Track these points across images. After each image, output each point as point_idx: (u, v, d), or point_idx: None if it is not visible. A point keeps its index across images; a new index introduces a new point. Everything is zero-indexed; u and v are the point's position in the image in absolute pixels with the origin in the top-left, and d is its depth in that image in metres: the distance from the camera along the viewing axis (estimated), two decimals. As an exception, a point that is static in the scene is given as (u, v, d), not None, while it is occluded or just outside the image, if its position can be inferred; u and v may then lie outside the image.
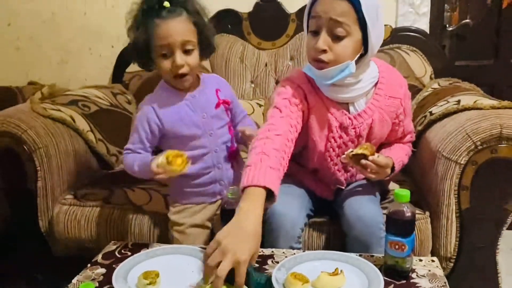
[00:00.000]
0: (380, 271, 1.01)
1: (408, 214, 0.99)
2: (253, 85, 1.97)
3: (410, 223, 1.01)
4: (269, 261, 1.11)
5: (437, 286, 0.99)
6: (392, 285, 0.99)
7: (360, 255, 1.10)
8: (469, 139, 1.23)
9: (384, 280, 0.98)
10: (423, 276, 1.02)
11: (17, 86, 2.02)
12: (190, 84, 1.26)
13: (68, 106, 1.70)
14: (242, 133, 1.31)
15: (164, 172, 1.14)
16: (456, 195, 1.27)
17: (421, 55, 1.90)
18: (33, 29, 2.24)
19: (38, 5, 2.21)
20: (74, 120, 1.63)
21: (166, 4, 1.17)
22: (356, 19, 1.10)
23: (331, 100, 1.22)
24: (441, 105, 1.48)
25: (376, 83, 1.24)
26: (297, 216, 1.23)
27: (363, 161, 1.18)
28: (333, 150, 1.27)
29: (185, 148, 1.25)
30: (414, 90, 1.81)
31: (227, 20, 2.03)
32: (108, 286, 1.01)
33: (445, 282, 1.00)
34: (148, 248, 1.18)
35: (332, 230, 1.32)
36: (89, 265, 1.12)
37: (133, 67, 2.05)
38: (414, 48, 1.91)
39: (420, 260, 1.09)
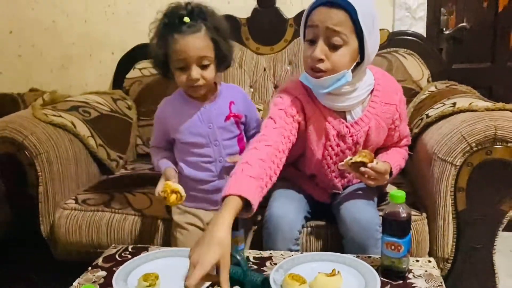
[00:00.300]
0: (377, 272, 1.02)
1: (404, 214, 1.01)
2: (252, 89, 1.99)
3: (406, 223, 1.02)
4: (268, 263, 1.12)
5: (433, 286, 1.00)
6: (389, 286, 1.00)
7: (357, 256, 1.11)
8: (464, 140, 1.24)
9: (381, 280, 0.99)
10: (420, 276, 1.03)
11: (19, 93, 2.04)
12: (205, 93, 1.30)
13: (69, 112, 1.72)
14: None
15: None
16: (452, 197, 1.28)
17: (418, 59, 1.91)
18: (34, 37, 2.26)
19: (40, 13, 2.23)
20: (75, 126, 1.65)
21: (186, 19, 1.21)
22: (353, 28, 1.11)
23: (328, 109, 1.23)
24: (437, 108, 1.49)
25: (372, 90, 1.25)
26: (294, 218, 1.24)
27: (362, 169, 1.18)
28: (331, 158, 1.29)
29: (191, 154, 1.31)
30: (411, 93, 1.82)
31: (226, 26, 2.04)
32: (108, 288, 1.03)
33: (441, 282, 1.01)
34: (148, 251, 1.19)
35: (330, 233, 1.33)
36: (89, 268, 1.13)
37: (133, 73, 2.08)
38: (411, 52, 1.92)
39: (417, 261, 1.10)
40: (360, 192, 1.31)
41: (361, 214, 1.21)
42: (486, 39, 2.12)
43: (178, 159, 1.35)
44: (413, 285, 1.00)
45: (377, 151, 1.34)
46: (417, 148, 1.48)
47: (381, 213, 1.08)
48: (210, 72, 1.25)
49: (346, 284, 1.00)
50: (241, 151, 1.34)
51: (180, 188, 1.22)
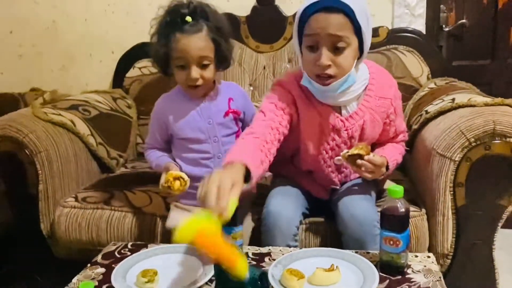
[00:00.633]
0: (376, 268, 1.02)
1: (402, 209, 1.00)
2: (251, 88, 1.99)
3: (404, 218, 1.02)
4: (266, 259, 1.12)
5: (432, 281, 1.00)
6: (388, 281, 1.00)
7: (356, 252, 1.11)
8: (463, 136, 1.24)
9: (380, 275, 0.99)
10: (419, 271, 1.04)
11: (19, 93, 2.05)
12: (203, 93, 1.31)
13: (68, 110, 1.72)
14: None
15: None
16: (451, 192, 1.28)
17: (417, 56, 1.91)
18: (34, 37, 2.27)
19: (40, 13, 2.24)
20: (74, 124, 1.65)
21: (188, 19, 1.21)
22: (352, 28, 1.11)
23: (323, 103, 1.23)
24: (437, 104, 1.49)
25: (367, 85, 1.25)
26: (292, 215, 1.24)
27: (359, 161, 1.18)
28: (326, 153, 1.29)
29: (189, 150, 1.31)
30: (411, 90, 1.82)
31: (225, 24, 2.05)
32: (107, 285, 1.03)
33: (440, 277, 1.01)
34: (147, 248, 1.19)
35: (328, 229, 1.33)
36: (89, 265, 1.13)
37: (133, 72, 2.08)
38: (411, 49, 1.91)
39: (416, 256, 1.11)
40: (358, 188, 1.31)
41: (359, 210, 1.21)
42: (486, 36, 2.11)
43: (175, 156, 1.35)
44: (412, 280, 1.00)
45: (374, 147, 1.34)
46: (416, 144, 1.47)
47: (379, 209, 1.08)
48: (209, 72, 1.26)
49: (345, 280, 1.00)
50: None
51: (182, 173, 1.23)
